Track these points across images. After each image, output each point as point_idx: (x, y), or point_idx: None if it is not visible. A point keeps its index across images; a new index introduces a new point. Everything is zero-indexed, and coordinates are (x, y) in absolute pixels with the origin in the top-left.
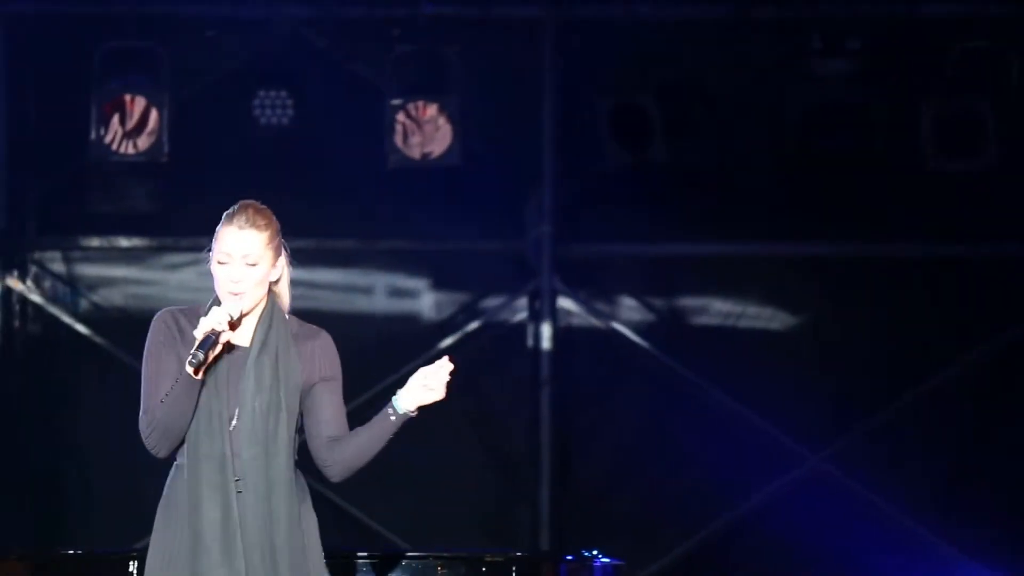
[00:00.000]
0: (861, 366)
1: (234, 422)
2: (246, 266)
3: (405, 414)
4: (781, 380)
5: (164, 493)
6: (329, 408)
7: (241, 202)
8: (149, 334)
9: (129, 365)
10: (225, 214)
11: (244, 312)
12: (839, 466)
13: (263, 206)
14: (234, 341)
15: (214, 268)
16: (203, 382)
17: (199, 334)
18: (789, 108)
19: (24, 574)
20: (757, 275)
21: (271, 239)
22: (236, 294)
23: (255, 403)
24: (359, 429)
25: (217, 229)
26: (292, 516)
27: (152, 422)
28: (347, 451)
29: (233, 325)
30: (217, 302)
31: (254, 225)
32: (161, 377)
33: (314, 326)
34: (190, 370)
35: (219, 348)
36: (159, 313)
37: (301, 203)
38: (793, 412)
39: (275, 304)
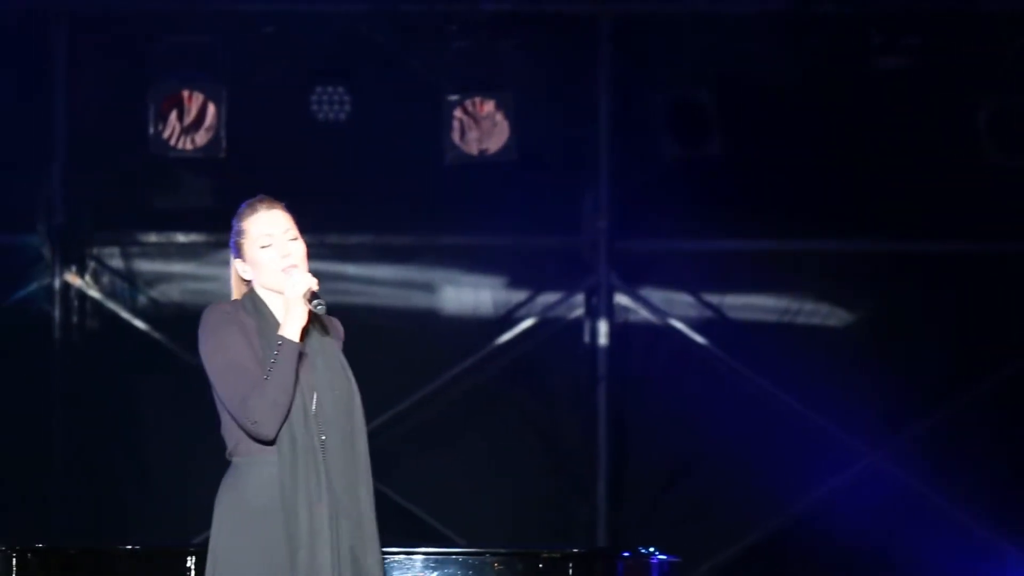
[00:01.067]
0: (919, 363)
1: (314, 408)
2: (290, 241)
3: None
4: (838, 377)
5: (227, 491)
6: None
7: (253, 199)
8: (209, 328)
9: (186, 360)
10: (241, 211)
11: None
12: (897, 463)
13: None
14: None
15: (258, 255)
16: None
17: (296, 300)
18: (846, 103)
19: (83, 568)
20: (814, 271)
21: (294, 223)
22: (293, 267)
23: (332, 390)
24: None
25: (239, 228)
26: (371, 510)
27: (259, 408)
28: None
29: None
30: (258, 298)
31: (277, 206)
32: (247, 363)
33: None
34: (293, 337)
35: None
36: (215, 308)
37: (358, 199)
38: (850, 409)
39: None
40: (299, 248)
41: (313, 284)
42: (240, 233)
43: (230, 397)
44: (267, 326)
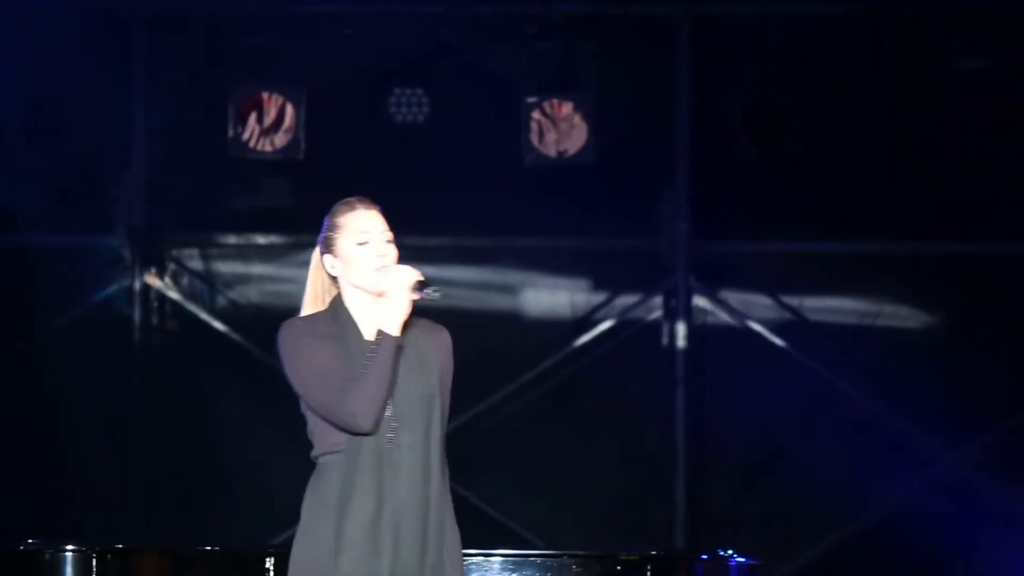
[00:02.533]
0: (998, 365)
1: (389, 410)
2: (386, 243)
3: None
4: (918, 380)
5: (310, 492)
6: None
7: (347, 198)
8: (288, 342)
9: (264, 360)
10: (334, 210)
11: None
12: (975, 466)
13: None
14: (369, 334)
15: (353, 251)
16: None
17: (400, 291)
18: (925, 105)
19: (162, 568)
20: (894, 273)
21: None
22: (384, 268)
23: (409, 391)
24: None
25: (332, 223)
26: (445, 503)
27: (358, 400)
28: None
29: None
30: (341, 306)
31: (375, 206)
32: (333, 361)
33: (435, 322)
34: (394, 332)
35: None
36: (291, 323)
37: (436, 201)
38: (930, 412)
39: None
40: (393, 251)
41: (417, 275)
42: (335, 228)
43: (324, 397)
44: (346, 335)
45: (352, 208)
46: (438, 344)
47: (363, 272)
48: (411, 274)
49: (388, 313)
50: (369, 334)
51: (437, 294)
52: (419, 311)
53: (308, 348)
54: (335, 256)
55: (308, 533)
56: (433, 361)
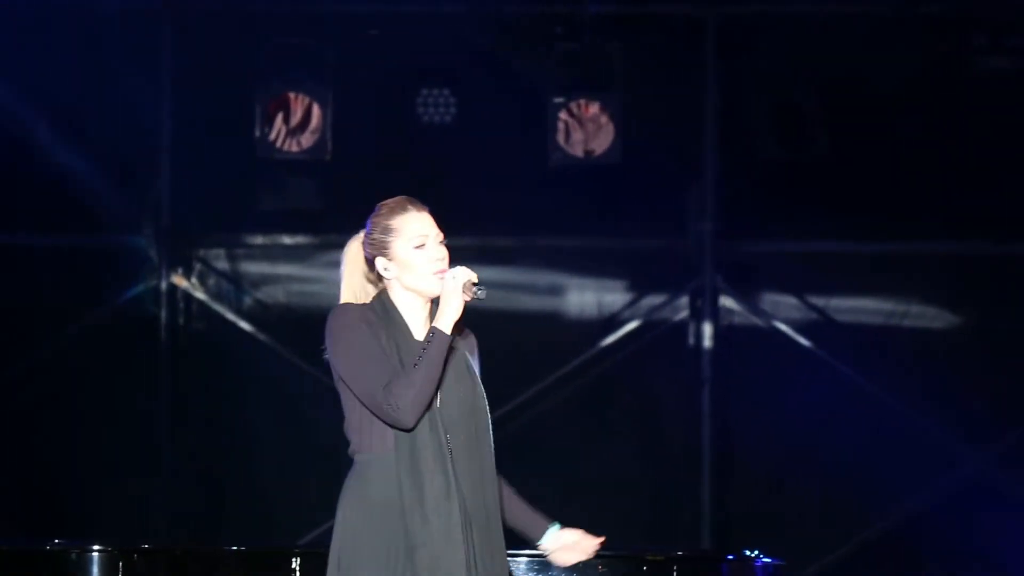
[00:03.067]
0: None
1: (438, 407)
2: (440, 244)
3: (543, 542)
4: (944, 380)
5: (353, 491)
6: None
7: (393, 199)
8: (340, 326)
9: (291, 361)
10: (390, 209)
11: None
12: (1001, 466)
13: None
14: (416, 335)
15: (410, 255)
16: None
17: (454, 294)
18: (952, 105)
19: (188, 568)
20: (921, 273)
21: None
22: (443, 273)
23: (457, 391)
24: (514, 499)
25: (386, 224)
26: (497, 509)
27: (405, 394)
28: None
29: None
30: (389, 303)
31: (425, 208)
32: (382, 358)
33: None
34: (446, 329)
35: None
36: (344, 310)
37: (463, 201)
38: (956, 412)
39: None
40: (446, 251)
41: (473, 276)
42: (388, 231)
43: (369, 386)
44: (396, 330)
45: (405, 210)
46: (472, 348)
47: (420, 276)
48: (466, 275)
49: (442, 313)
50: (418, 334)
51: (482, 293)
52: (466, 317)
53: (360, 334)
54: (389, 259)
55: (363, 533)
56: (471, 365)
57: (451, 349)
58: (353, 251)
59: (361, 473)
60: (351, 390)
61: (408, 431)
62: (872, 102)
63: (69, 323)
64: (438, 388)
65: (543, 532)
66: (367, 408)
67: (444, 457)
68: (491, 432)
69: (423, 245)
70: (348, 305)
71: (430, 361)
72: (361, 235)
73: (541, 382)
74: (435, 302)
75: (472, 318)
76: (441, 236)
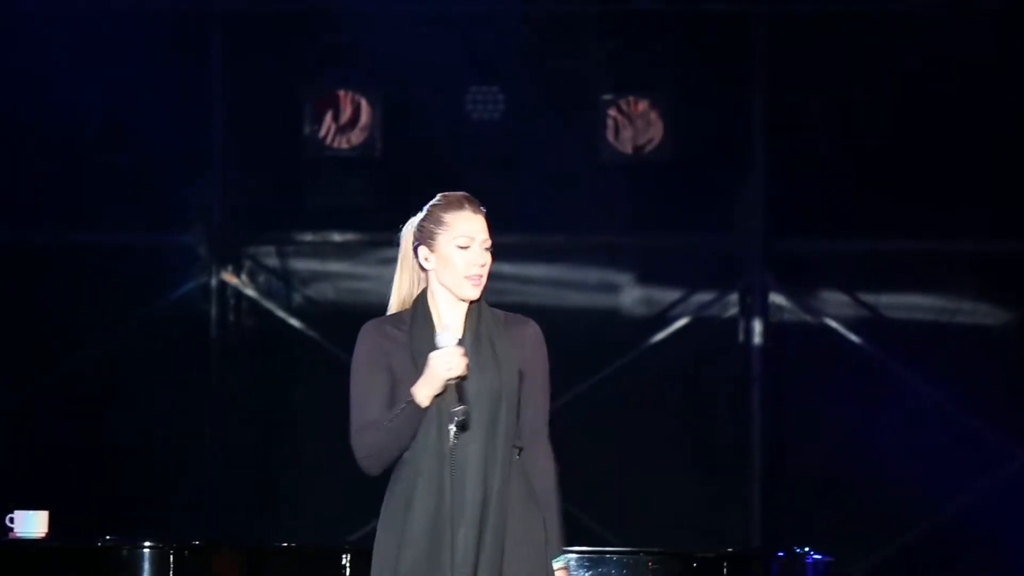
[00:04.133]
0: None
1: (454, 409)
2: (485, 250)
3: None
4: (996, 377)
5: (387, 491)
6: (533, 400)
7: (449, 193)
8: (357, 348)
9: (342, 359)
10: (444, 203)
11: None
12: None
13: None
14: (453, 332)
15: (452, 252)
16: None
17: (438, 380)
18: (1006, 103)
19: (239, 565)
20: (972, 270)
21: None
22: (478, 279)
23: (478, 389)
24: (553, 506)
25: (437, 216)
26: (510, 502)
27: (367, 445)
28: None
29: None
30: (421, 304)
31: (482, 212)
32: (372, 396)
33: (521, 315)
34: (423, 403)
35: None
36: (365, 327)
37: (512, 198)
38: (1007, 409)
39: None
40: (489, 259)
41: (459, 371)
42: (438, 222)
43: (351, 423)
44: (421, 339)
45: (460, 207)
46: (520, 339)
47: (454, 276)
48: (454, 369)
49: (421, 383)
50: (444, 337)
51: (463, 417)
52: (506, 306)
53: (361, 365)
54: (431, 250)
55: (381, 531)
56: (511, 358)
57: (477, 337)
58: (409, 242)
59: (395, 475)
60: None
61: (372, 476)
62: (924, 99)
63: (121, 321)
64: (459, 390)
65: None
66: None
67: (441, 457)
68: (513, 424)
69: (467, 247)
70: (369, 326)
71: (399, 425)
72: (415, 220)
73: (591, 379)
74: (472, 301)
75: (524, 314)
76: (488, 243)
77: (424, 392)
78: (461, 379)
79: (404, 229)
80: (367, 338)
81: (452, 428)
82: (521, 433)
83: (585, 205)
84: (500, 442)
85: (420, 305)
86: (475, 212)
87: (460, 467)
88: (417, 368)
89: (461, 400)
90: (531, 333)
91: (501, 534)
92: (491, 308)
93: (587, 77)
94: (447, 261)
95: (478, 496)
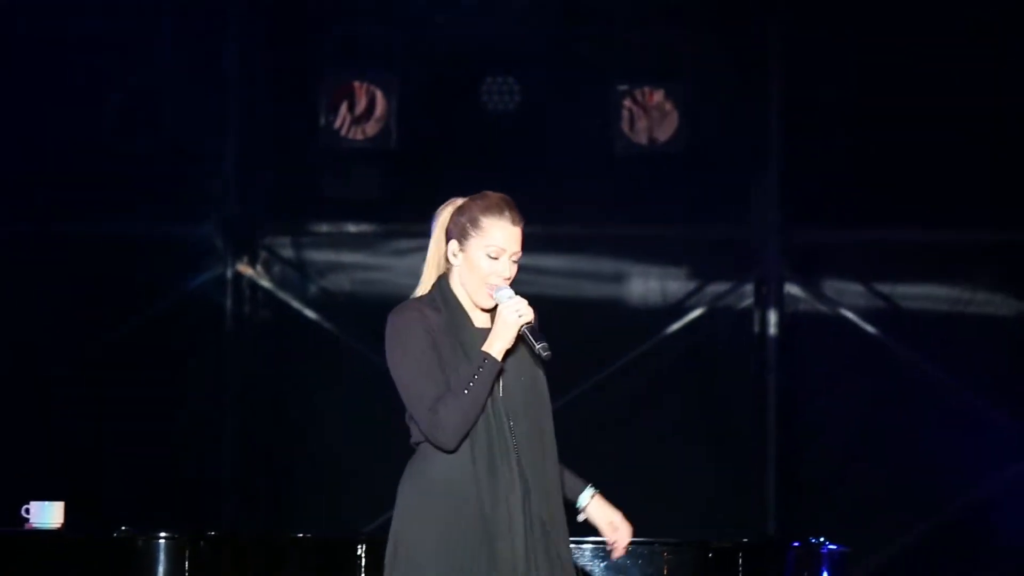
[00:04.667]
0: None
1: (501, 395)
2: (513, 262)
3: (581, 501)
4: (1010, 367)
5: (413, 476)
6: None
7: (492, 194)
8: (398, 333)
9: (356, 349)
10: (485, 205)
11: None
12: None
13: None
14: (477, 324)
15: (480, 258)
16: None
17: (511, 327)
18: (1021, 92)
19: (254, 556)
20: (987, 260)
21: None
22: (494, 288)
23: (520, 380)
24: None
25: (475, 217)
26: (560, 489)
27: (450, 416)
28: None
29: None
30: (449, 292)
31: (521, 222)
32: (432, 372)
33: None
34: (498, 358)
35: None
36: (399, 312)
37: (527, 188)
38: (1022, 399)
39: None
40: (515, 270)
41: (530, 316)
42: (476, 225)
43: (417, 403)
44: (455, 320)
45: (501, 215)
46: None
47: (478, 284)
48: (525, 314)
49: (495, 337)
50: (480, 323)
51: (547, 356)
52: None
53: (416, 342)
54: (460, 248)
55: (419, 516)
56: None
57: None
58: (444, 217)
59: (424, 462)
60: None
61: (449, 452)
62: (940, 90)
63: (135, 312)
64: (499, 375)
65: (581, 490)
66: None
67: (509, 447)
68: (552, 419)
69: (497, 258)
70: (404, 307)
71: (479, 388)
72: (457, 203)
73: (606, 370)
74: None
75: (538, 306)
76: (519, 255)
77: (498, 346)
78: (530, 324)
79: (441, 210)
80: (409, 319)
81: (547, 352)
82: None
83: (600, 196)
84: (548, 430)
85: (448, 293)
86: (514, 224)
87: (514, 457)
88: (464, 353)
89: (538, 339)
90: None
91: (564, 530)
92: None
93: (602, 68)
94: (473, 265)
95: (542, 493)
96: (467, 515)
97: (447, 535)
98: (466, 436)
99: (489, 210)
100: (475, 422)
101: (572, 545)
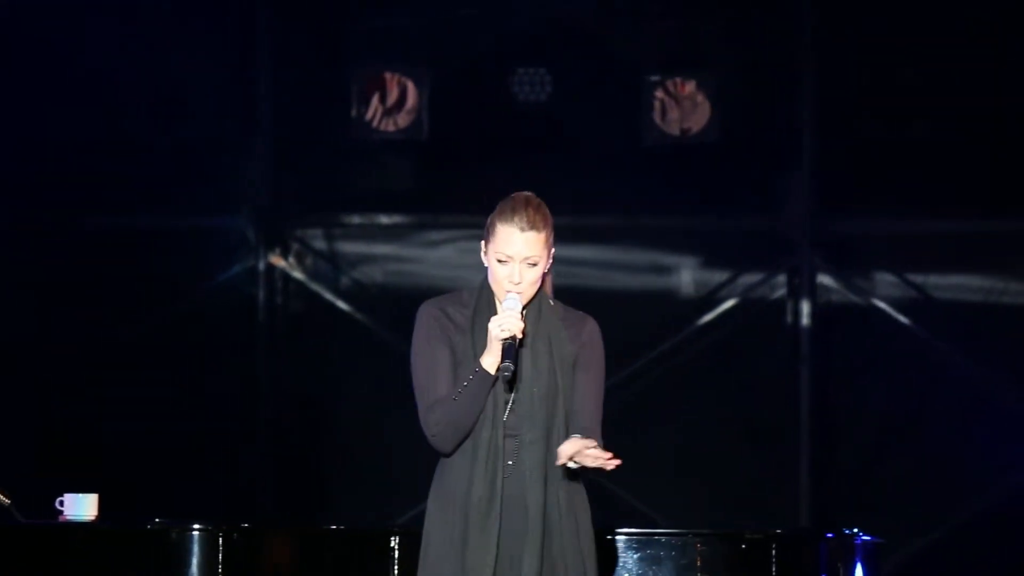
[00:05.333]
0: None
1: (510, 407)
2: (527, 266)
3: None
4: None
5: (436, 478)
6: (582, 397)
7: (517, 196)
8: (417, 328)
9: (388, 341)
10: (502, 208)
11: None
12: None
13: (539, 200)
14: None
15: (492, 264)
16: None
17: (496, 341)
18: None
19: (288, 547)
20: (1019, 250)
21: (548, 236)
22: (512, 292)
23: (534, 388)
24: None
25: (492, 221)
26: (568, 499)
27: (440, 420)
28: None
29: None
30: (487, 290)
31: (534, 226)
32: (438, 372)
33: (580, 312)
34: (491, 370)
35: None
36: (423, 306)
37: (559, 180)
38: None
39: (543, 290)
40: (533, 273)
41: (515, 329)
42: (492, 229)
43: (419, 404)
44: (480, 321)
45: (509, 221)
46: (576, 335)
47: (498, 288)
48: (502, 330)
49: (487, 350)
50: (509, 300)
51: (504, 370)
52: (556, 289)
53: (424, 343)
54: (484, 252)
55: (435, 524)
56: (566, 355)
57: (536, 338)
58: None
59: (442, 467)
60: None
61: (445, 455)
62: (972, 77)
63: (168, 304)
64: (513, 385)
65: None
66: None
67: (498, 460)
68: (566, 423)
69: (505, 262)
70: (430, 304)
71: (468, 396)
72: None
73: (639, 361)
74: (536, 294)
75: (570, 298)
76: (533, 259)
77: (487, 359)
78: (513, 339)
79: None
80: (427, 318)
81: (508, 372)
82: (571, 429)
83: (632, 187)
84: (555, 442)
85: (485, 293)
86: (523, 230)
87: (517, 466)
88: (477, 353)
89: (506, 357)
90: (588, 330)
91: (560, 531)
92: (554, 303)
93: (634, 58)
94: (491, 268)
95: (536, 498)
96: (453, 520)
97: (436, 538)
98: (462, 442)
99: (502, 214)
100: (468, 430)
101: (606, 538)
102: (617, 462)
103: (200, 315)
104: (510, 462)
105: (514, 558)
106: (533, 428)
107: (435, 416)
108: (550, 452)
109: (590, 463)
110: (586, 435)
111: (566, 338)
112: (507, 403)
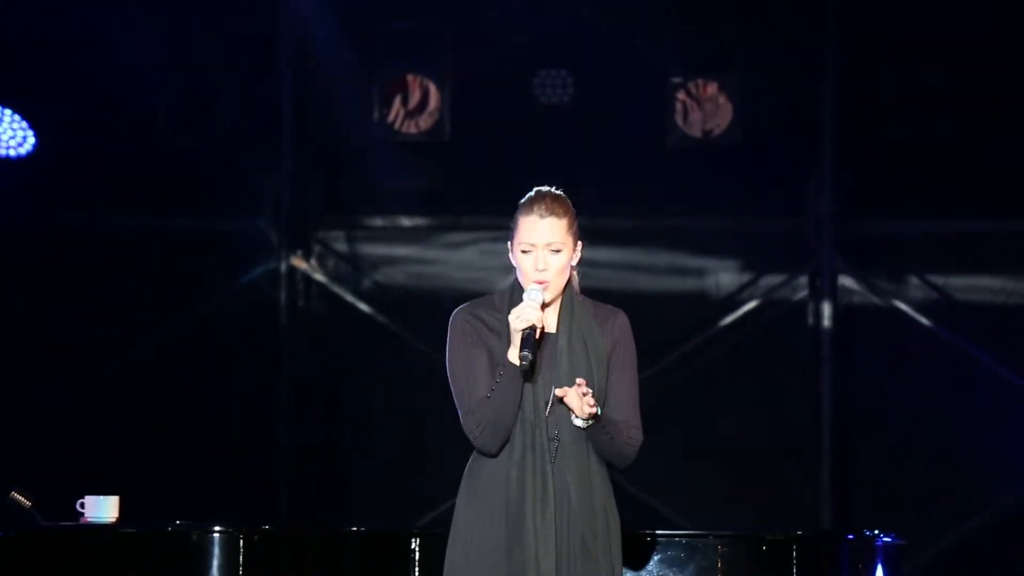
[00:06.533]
0: None
1: (550, 407)
2: (550, 253)
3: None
4: None
5: (468, 478)
6: (618, 392)
7: (536, 190)
8: (451, 335)
9: (410, 343)
10: (522, 203)
11: (547, 300)
12: None
13: (559, 192)
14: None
15: (518, 258)
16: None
17: (516, 333)
18: None
19: (308, 549)
20: None
21: (571, 224)
22: (542, 282)
23: (571, 383)
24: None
25: (515, 217)
26: (603, 501)
27: (481, 421)
28: None
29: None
30: (517, 290)
31: (553, 213)
32: (477, 375)
33: (610, 306)
34: (515, 362)
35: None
36: (456, 313)
37: (581, 181)
38: None
39: (572, 287)
40: (559, 260)
41: (534, 320)
42: (514, 224)
43: (459, 408)
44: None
45: (529, 212)
46: (609, 332)
47: (524, 279)
48: (521, 321)
49: (512, 344)
50: (530, 292)
51: (523, 360)
52: (594, 294)
53: (462, 348)
54: (510, 249)
55: (473, 525)
56: (601, 353)
57: (570, 336)
58: None
59: (474, 460)
60: None
61: (491, 456)
62: (995, 82)
63: (190, 305)
64: (533, 371)
65: None
66: None
67: (545, 459)
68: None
69: (529, 252)
70: (464, 309)
71: (501, 392)
72: None
73: (660, 363)
74: (566, 292)
75: (594, 299)
76: (555, 244)
77: (513, 352)
78: (532, 329)
79: None
80: (462, 324)
81: (526, 361)
82: (612, 416)
83: (654, 188)
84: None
85: (516, 294)
86: (541, 217)
87: (561, 464)
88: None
89: (524, 347)
90: (620, 324)
91: (607, 527)
92: (582, 299)
93: (656, 60)
94: (517, 263)
95: (583, 497)
96: (495, 521)
97: (476, 538)
98: (506, 440)
99: (522, 207)
100: (509, 427)
101: (632, 538)
102: (591, 402)
103: (223, 317)
104: (551, 463)
105: (560, 556)
106: (572, 428)
107: (475, 418)
108: (590, 453)
109: (574, 403)
110: (625, 427)
111: (599, 334)
112: (547, 404)
